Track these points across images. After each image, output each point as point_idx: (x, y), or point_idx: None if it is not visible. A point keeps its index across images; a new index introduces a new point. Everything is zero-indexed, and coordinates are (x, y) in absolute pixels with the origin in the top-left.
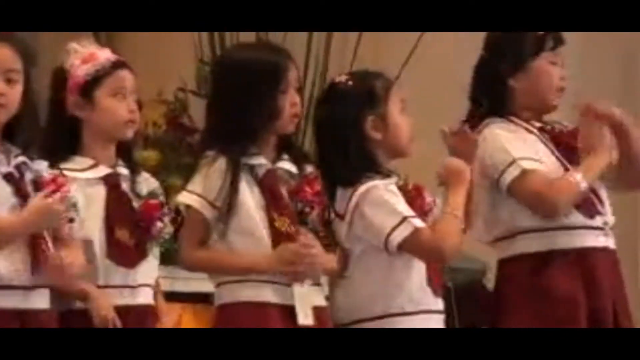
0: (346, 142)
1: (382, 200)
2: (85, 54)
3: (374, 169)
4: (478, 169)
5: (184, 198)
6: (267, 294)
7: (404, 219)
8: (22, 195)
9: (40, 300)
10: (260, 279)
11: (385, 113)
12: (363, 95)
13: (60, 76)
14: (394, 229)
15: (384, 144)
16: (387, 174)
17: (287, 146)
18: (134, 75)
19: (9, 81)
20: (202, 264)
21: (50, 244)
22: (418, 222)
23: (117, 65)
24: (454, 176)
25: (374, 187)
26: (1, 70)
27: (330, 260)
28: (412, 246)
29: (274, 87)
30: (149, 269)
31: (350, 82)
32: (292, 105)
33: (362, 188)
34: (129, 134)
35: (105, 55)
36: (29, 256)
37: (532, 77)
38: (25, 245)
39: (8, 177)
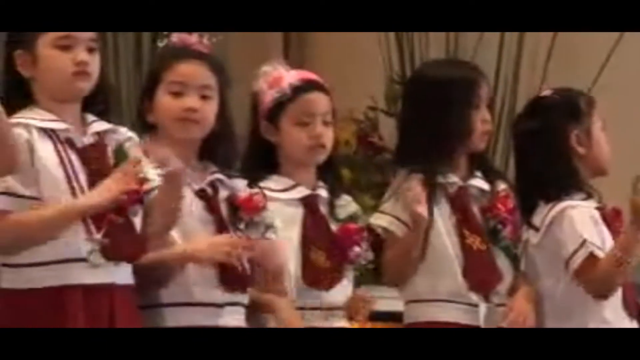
0: (552, 154)
1: (573, 222)
2: (273, 77)
3: (578, 185)
4: None
5: (380, 220)
6: (454, 314)
7: (584, 241)
8: (214, 212)
9: (234, 318)
10: (448, 299)
11: (589, 128)
12: (569, 110)
13: (254, 100)
14: (575, 252)
15: (587, 159)
16: (589, 193)
17: (479, 163)
18: (327, 94)
19: (203, 98)
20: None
21: (244, 262)
22: (596, 249)
23: (302, 89)
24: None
25: (571, 206)
26: (196, 87)
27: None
28: (583, 271)
29: (465, 104)
30: (343, 292)
31: (556, 96)
32: (483, 122)
33: (560, 205)
34: (318, 159)
35: (290, 79)
36: (220, 273)
37: None
38: (217, 263)
39: (200, 194)
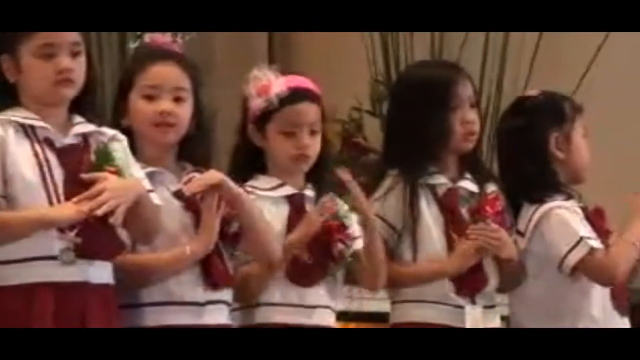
0: (531, 154)
1: (563, 222)
2: (261, 84)
3: (558, 187)
4: None
5: None
6: (440, 315)
7: (581, 239)
8: (193, 210)
9: (216, 316)
10: (434, 300)
11: (569, 133)
12: (552, 112)
13: (244, 103)
14: (570, 250)
15: (565, 164)
16: (569, 194)
17: (469, 164)
18: (316, 102)
19: (177, 100)
20: (394, 280)
21: (226, 260)
22: (595, 243)
23: (289, 100)
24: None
25: (557, 207)
26: (169, 89)
27: (511, 245)
28: (586, 266)
29: (441, 105)
30: (328, 291)
31: (540, 97)
32: (464, 123)
33: (544, 207)
34: (301, 168)
35: (278, 88)
36: (202, 271)
37: None
38: (198, 262)
39: (178, 194)
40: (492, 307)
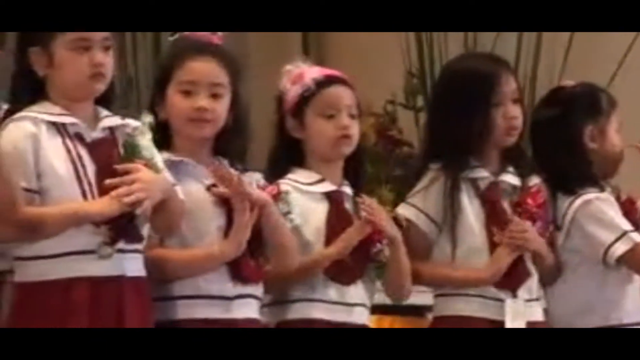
0: (565, 145)
1: (601, 214)
2: (295, 74)
3: (591, 180)
4: None
5: (404, 210)
6: (481, 309)
7: (624, 233)
8: (226, 206)
9: (245, 311)
10: (475, 294)
11: (604, 127)
12: (588, 104)
13: (279, 99)
14: (613, 243)
15: (598, 156)
16: (602, 186)
17: (512, 158)
18: (351, 89)
19: (214, 96)
20: (423, 278)
21: (257, 257)
22: (637, 237)
23: (325, 83)
24: None
25: (595, 198)
26: (206, 85)
27: (538, 238)
28: (632, 261)
29: (484, 100)
30: (366, 289)
31: (577, 89)
32: (507, 118)
33: (580, 199)
34: (344, 151)
35: (312, 74)
36: (231, 269)
37: None
38: None
39: (213, 188)
40: (535, 300)
